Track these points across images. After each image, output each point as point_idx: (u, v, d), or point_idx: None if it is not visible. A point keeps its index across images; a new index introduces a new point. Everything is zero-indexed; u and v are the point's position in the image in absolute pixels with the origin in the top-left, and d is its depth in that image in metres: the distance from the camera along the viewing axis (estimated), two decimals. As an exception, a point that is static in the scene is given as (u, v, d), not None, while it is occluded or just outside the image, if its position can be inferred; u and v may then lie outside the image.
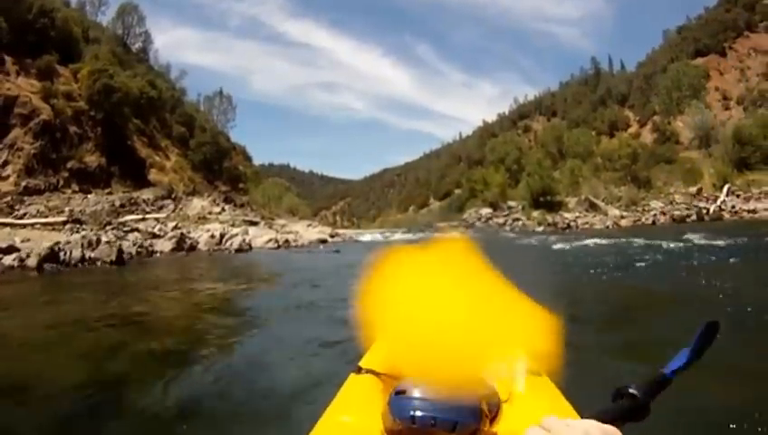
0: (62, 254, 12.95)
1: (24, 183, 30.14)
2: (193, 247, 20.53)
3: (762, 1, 79.99)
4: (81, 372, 4.24)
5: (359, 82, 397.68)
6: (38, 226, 21.69)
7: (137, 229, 22.46)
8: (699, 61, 74.16)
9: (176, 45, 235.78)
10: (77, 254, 13.17)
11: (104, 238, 17.06)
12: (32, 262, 12.44)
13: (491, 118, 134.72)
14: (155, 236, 21.35)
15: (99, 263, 13.29)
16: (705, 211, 34.64)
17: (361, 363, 1.42)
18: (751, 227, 22.33)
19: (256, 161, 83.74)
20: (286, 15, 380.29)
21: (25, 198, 28.33)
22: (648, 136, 68.44)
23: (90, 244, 14.33)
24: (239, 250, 20.19)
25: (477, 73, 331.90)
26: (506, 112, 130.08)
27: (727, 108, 66.68)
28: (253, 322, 6.55)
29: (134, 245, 17.55)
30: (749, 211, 34.14)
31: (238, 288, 9.69)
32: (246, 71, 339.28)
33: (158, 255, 17.90)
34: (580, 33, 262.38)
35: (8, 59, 36.37)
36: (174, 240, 19.67)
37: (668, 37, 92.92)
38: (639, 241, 16.99)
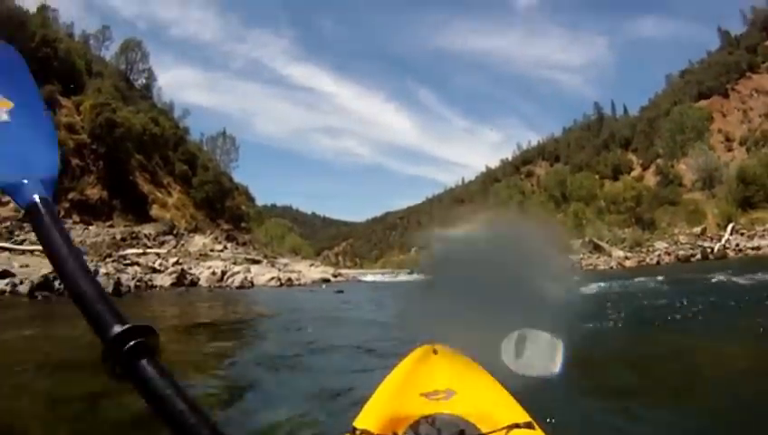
0: (56, 283, 12.70)
1: (23, 210, 29.82)
2: (194, 283, 20.28)
3: (764, 42, 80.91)
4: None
5: (361, 126, 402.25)
6: (37, 252, 21.38)
7: (137, 263, 22.22)
8: (702, 103, 74.75)
9: (179, 84, 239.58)
10: (73, 284, 12.89)
11: (103, 270, 16.85)
12: (24, 288, 12.20)
13: (494, 163, 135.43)
14: (155, 270, 21.10)
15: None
16: (709, 250, 34.36)
17: (356, 423, 1.36)
18: (755, 264, 22.05)
19: (259, 202, 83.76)
20: (289, 59, 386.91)
21: (25, 224, 27.59)
22: (651, 179, 68.60)
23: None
24: (241, 287, 19.94)
25: (480, 119, 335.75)
26: (509, 158, 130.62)
27: (730, 149, 66.85)
28: (246, 366, 6.18)
29: (133, 278, 17.28)
30: (753, 248, 33.82)
31: (236, 327, 9.34)
32: (249, 112, 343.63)
33: (156, 289, 17.63)
34: (582, 80, 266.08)
35: None
36: (174, 275, 19.45)
37: (671, 81, 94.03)
38: (643, 281, 16.73)
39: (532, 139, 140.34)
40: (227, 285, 20.47)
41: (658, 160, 71.44)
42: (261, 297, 16.68)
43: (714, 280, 13.27)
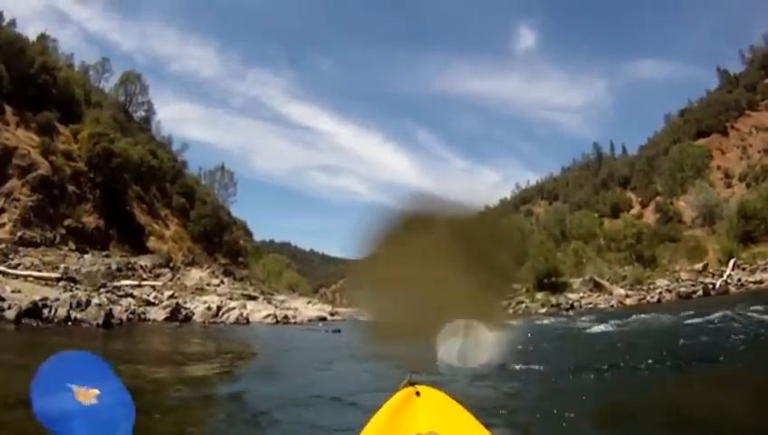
0: (46, 310, 12.41)
1: (19, 233, 29.82)
2: (188, 318, 19.93)
3: (763, 81, 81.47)
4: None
5: (360, 166, 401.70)
6: (31, 278, 21.10)
7: (131, 295, 21.86)
8: (701, 141, 74.78)
9: (178, 119, 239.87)
10: (62, 312, 12.70)
11: (96, 300, 16.55)
12: (10, 314, 11.89)
13: (492, 203, 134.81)
14: (149, 303, 20.76)
15: (85, 325, 12.72)
16: (711, 286, 33.83)
17: None
18: (757, 297, 21.79)
19: (257, 237, 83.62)
20: (288, 98, 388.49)
21: (20, 248, 27.79)
22: (650, 216, 68.31)
23: (78, 304, 13.83)
24: (235, 323, 19.56)
25: (478, 160, 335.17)
26: (508, 197, 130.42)
27: (729, 185, 66.66)
28: (232, 413, 5.83)
29: (126, 310, 16.91)
30: (755, 282, 33.27)
31: (220, 369, 9.03)
32: (248, 149, 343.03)
33: (149, 323, 17.26)
34: (581, 121, 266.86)
35: (8, 109, 36.59)
36: (168, 309, 19.06)
37: (670, 120, 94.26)
38: (643, 321, 16.44)
39: (531, 179, 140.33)
40: (222, 321, 20.07)
41: (658, 198, 71.31)
42: (254, 335, 16.36)
43: (716, 319, 12.98)
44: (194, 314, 20.49)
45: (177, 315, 19.07)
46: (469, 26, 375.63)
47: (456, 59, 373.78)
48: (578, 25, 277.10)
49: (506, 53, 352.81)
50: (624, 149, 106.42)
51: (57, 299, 13.94)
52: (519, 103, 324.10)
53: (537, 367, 7.95)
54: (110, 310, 14.16)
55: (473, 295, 1.85)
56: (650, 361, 7.82)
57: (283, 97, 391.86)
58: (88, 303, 14.33)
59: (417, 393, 1.81)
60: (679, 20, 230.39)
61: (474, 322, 1.83)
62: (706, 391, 5.52)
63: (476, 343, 1.82)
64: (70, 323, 12.58)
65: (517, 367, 7.70)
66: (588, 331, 15.34)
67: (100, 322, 12.76)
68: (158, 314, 18.56)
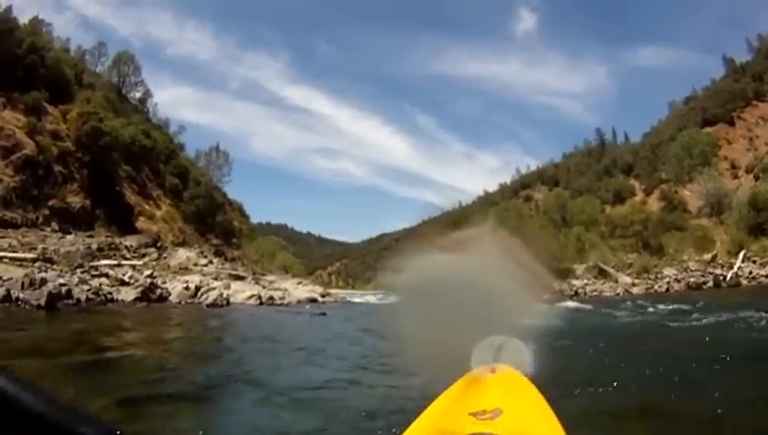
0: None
1: (0, 214, 28.88)
2: (164, 298, 18.44)
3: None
4: None
5: (358, 149, 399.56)
6: (6, 259, 19.84)
7: (106, 275, 20.35)
8: (707, 130, 73.23)
9: (175, 102, 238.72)
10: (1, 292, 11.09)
11: (61, 280, 15.13)
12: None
13: (492, 188, 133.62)
14: (123, 283, 19.22)
15: (26, 305, 11.18)
16: (721, 278, 32.74)
17: None
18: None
19: (254, 220, 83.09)
20: (286, 81, 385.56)
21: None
22: (654, 204, 66.86)
23: (32, 283, 12.32)
24: (213, 305, 17.91)
25: (478, 144, 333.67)
26: (508, 182, 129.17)
27: (736, 176, 65.16)
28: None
29: (88, 290, 15.31)
30: (767, 276, 32.31)
31: (151, 356, 7.55)
32: (245, 132, 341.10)
33: (113, 304, 15.66)
34: (582, 107, 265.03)
35: None
36: (140, 289, 17.47)
37: (675, 108, 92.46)
38: (660, 310, 15.10)
39: (531, 164, 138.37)
40: (199, 302, 18.51)
41: (662, 186, 69.98)
42: (227, 317, 14.84)
43: (736, 313, 11.58)
44: (170, 294, 18.98)
45: (150, 295, 17.53)
46: (468, 7, 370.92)
47: (455, 41, 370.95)
48: (579, 8, 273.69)
49: (506, 36, 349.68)
50: (626, 137, 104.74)
51: (9, 279, 12.47)
52: (518, 87, 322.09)
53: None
54: (65, 290, 12.64)
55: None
56: (682, 357, 6.56)
57: (280, 80, 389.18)
58: (43, 282, 12.80)
59: (493, 370, 1.93)
60: (684, 5, 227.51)
61: (507, 339, 2.06)
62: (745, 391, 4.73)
63: (510, 359, 1.99)
64: (8, 304, 11.08)
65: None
66: (596, 320, 14.00)
67: (42, 302, 11.22)
68: (128, 294, 16.99)
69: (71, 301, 12.81)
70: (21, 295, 11.44)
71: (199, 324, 12.59)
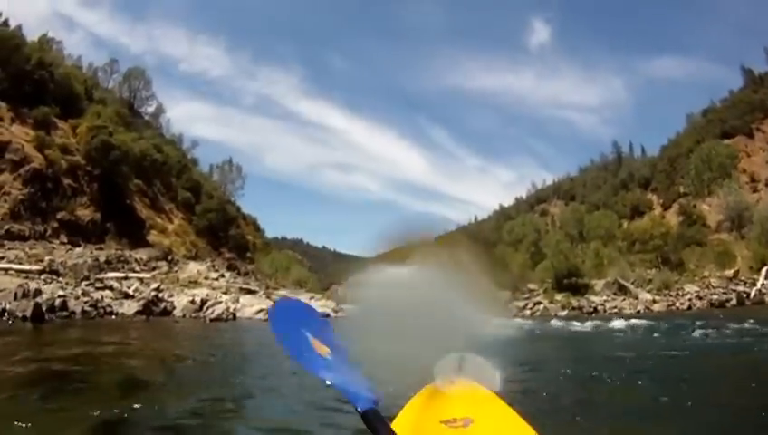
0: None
1: (7, 226, 28.98)
2: (168, 312, 17.93)
3: (790, 82, 78.34)
4: None
5: (372, 163, 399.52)
6: (12, 271, 19.59)
7: (110, 287, 19.90)
8: (726, 142, 71.88)
9: (190, 118, 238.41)
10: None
11: (60, 292, 14.64)
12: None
13: (507, 202, 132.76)
14: (127, 296, 18.73)
15: (11, 317, 10.67)
16: (745, 295, 31.90)
17: None
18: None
19: (270, 234, 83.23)
20: (300, 96, 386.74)
21: (6, 242, 27.04)
22: (672, 219, 65.51)
23: (24, 294, 11.83)
24: (217, 319, 17.33)
25: (493, 158, 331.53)
26: (524, 196, 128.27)
27: (755, 189, 63.74)
28: None
29: (85, 302, 14.78)
30: (791, 293, 31.41)
31: (115, 370, 7.01)
32: (260, 147, 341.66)
33: (112, 317, 15.12)
34: (598, 120, 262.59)
35: (3, 105, 36.06)
36: (142, 302, 16.93)
37: (693, 120, 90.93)
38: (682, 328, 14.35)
39: (547, 178, 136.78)
40: (204, 316, 17.94)
41: (681, 200, 68.73)
42: (225, 331, 14.25)
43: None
44: (175, 307, 18.43)
45: (153, 309, 16.99)
46: (482, 20, 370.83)
47: (469, 54, 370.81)
48: (593, 20, 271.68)
49: (520, 48, 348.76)
50: (643, 150, 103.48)
51: (3, 290, 11.99)
52: (533, 100, 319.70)
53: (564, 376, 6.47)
54: (59, 302, 12.15)
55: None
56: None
57: (294, 95, 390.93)
58: (37, 293, 12.30)
59: (452, 382, 1.90)
60: (700, 15, 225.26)
61: (470, 355, 2.03)
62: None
63: (472, 375, 1.96)
64: (-4, 317, 10.58)
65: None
66: (619, 339, 13.25)
67: (28, 314, 10.70)
68: (129, 307, 16.48)
69: (65, 313, 12.32)
70: (8, 307, 10.96)
71: (190, 339, 12.05)
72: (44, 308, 11.81)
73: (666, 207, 73.50)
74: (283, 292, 36.01)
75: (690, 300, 33.23)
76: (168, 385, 6.28)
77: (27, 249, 26.16)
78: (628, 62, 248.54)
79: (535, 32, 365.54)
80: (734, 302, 31.17)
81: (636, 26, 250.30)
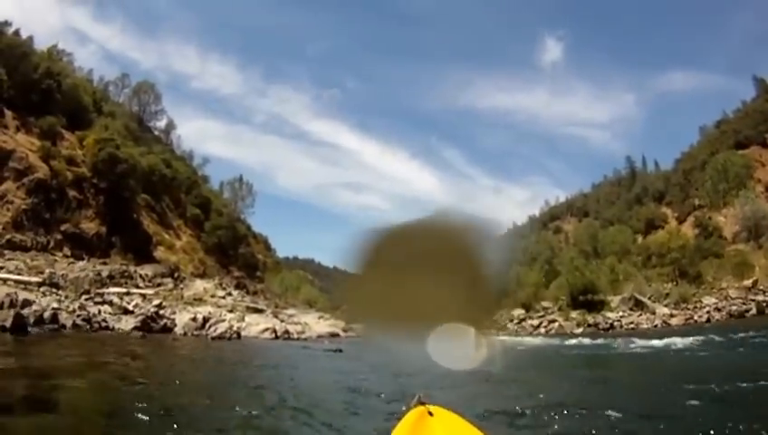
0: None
1: (8, 236, 28.47)
2: (168, 329, 17.32)
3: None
4: None
5: (384, 183, 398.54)
6: (11, 282, 19.07)
7: (110, 302, 19.41)
8: (741, 153, 70.94)
9: (201, 135, 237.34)
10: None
11: (54, 305, 14.17)
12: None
13: (521, 220, 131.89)
14: (126, 311, 18.20)
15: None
16: (764, 305, 31.35)
17: None
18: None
19: (281, 254, 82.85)
20: (311, 115, 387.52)
21: (7, 251, 26.37)
22: (688, 232, 64.47)
23: (12, 304, 11.37)
24: (219, 338, 16.73)
25: (506, 177, 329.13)
26: (537, 214, 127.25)
27: (771, 199, 62.74)
28: None
29: (78, 316, 14.26)
30: (812, 301, 30.76)
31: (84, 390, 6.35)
32: (271, 166, 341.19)
33: (107, 332, 14.58)
34: (610, 136, 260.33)
35: (9, 113, 35.87)
36: (140, 318, 16.37)
37: (706, 132, 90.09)
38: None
39: (561, 196, 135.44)
40: (207, 334, 17.35)
41: (696, 212, 67.80)
42: (224, 351, 13.57)
43: None
44: (176, 325, 17.87)
45: (151, 325, 16.41)
46: (494, 39, 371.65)
47: (482, 73, 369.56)
48: (604, 36, 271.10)
49: (532, 66, 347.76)
50: (656, 164, 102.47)
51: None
52: (546, 118, 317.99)
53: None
54: (49, 315, 11.61)
55: (458, 304, 1.86)
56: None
57: (305, 114, 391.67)
58: (26, 304, 11.84)
59: (430, 413, 1.82)
60: (709, 27, 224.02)
61: (462, 325, 1.84)
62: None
63: (465, 346, 1.86)
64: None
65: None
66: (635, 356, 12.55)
67: (8, 324, 10.19)
68: (126, 322, 15.93)
69: (54, 326, 11.81)
70: (-7, 318, 10.51)
71: (182, 357, 11.38)
72: (32, 320, 11.42)
73: (681, 221, 72.55)
74: (290, 311, 35.48)
75: (709, 312, 32.51)
76: (91, 408, 5.62)
77: (28, 260, 25.58)
78: (639, 76, 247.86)
79: (548, 50, 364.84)
80: (753, 311, 30.74)
81: (646, 41, 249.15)
